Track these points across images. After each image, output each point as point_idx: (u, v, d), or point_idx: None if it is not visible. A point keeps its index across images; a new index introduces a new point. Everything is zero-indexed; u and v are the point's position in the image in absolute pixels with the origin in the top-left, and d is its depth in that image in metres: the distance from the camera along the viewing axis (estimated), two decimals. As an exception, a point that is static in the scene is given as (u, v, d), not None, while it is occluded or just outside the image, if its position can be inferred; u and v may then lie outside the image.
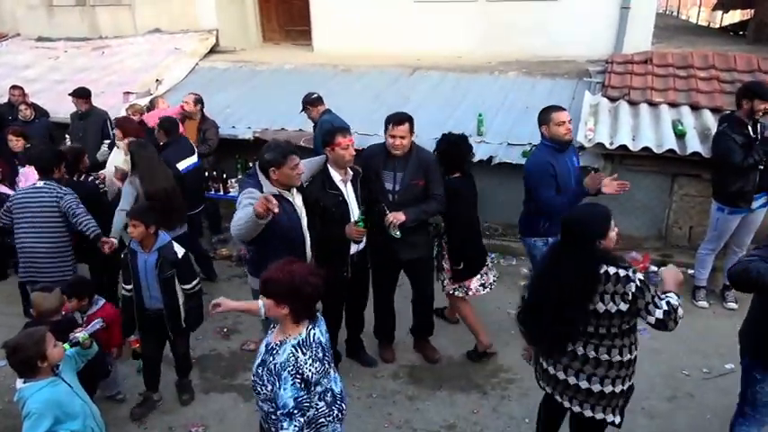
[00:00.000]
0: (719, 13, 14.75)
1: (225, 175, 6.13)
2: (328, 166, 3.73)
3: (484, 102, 6.87)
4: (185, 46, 8.99)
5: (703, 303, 5.00)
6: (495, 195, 6.03)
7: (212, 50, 9.30)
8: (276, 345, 2.45)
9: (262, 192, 3.19)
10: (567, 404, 2.81)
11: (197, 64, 8.86)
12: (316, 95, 5.44)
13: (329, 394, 2.56)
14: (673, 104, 6.04)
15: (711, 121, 5.67)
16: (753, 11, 11.91)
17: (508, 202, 6.06)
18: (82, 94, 6.42)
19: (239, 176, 6.34)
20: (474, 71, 7.75)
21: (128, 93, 7.73)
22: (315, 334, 2.46)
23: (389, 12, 8.66)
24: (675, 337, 4.45)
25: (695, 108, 5.96)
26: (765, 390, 2.85)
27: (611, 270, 2.59)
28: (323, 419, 2.54)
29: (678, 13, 17.83)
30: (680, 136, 5.48)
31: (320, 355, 2.44)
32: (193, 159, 5.37)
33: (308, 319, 2.47)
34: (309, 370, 2.36)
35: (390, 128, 3.80)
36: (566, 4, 7.99)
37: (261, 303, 2.51)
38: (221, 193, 6.12)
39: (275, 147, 3.36)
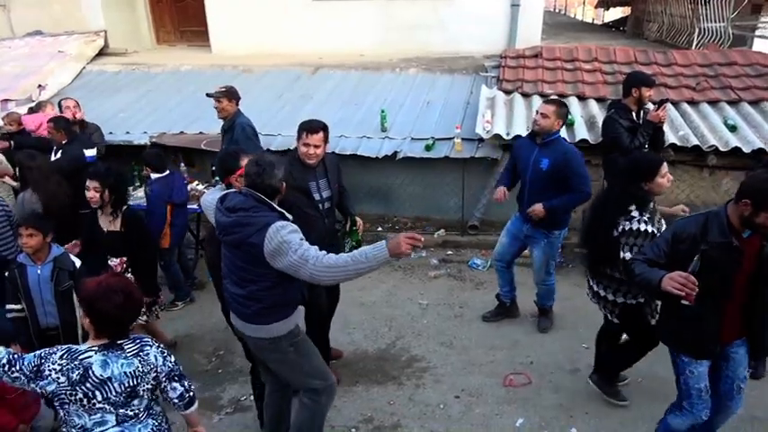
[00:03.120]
0: (602, 10, 15.83)
1: (121, 184, 5.81)
2: None
3: (386, 98, 6.96)
4: (70, 48, 8.42)
5: None
6: (402, 189, 6.14)
7: (101, 53, 8.81)
8: None
9: (287, 219, 2.65)
10: (602, 311, 3.62)
11: (84, 67, 8.34)
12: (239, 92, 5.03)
13: None
14: (561, 95, 6.38)
15: (596, 110, 6.07)
16: (630, 8, 12.90)
17: (414, 196, 6.22)
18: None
19: (137, 184, 6.04)
20: (376, 68, 7.83)
21: (6, 100, 7.14)
22: (90, 357, 2.20)
23: (288, 11, 8.56)
24: (575, 314, 4.76)
25: (582, 98, 6.35)
26: (694, 373, 2.84)
27: (633, 210, 3.12)
28: None
29: (566, 11, 18.94)
30: (569, 125, 5.81)
31: (73, 376, 2.15)
32: (93, 152, 5.26)
33: (108, 339, 2.24)
34: (47, 366, 2.16)
35: (304, 136, 3.50)
36: (460, 2, 8.26)
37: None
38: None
39: (278, 163, 2.73)
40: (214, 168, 5.92)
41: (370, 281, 5.45)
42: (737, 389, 2.93)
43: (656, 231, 3.15)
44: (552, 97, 5.50)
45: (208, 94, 5.01)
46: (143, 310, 3.82)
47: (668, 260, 2.65)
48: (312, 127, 3.52)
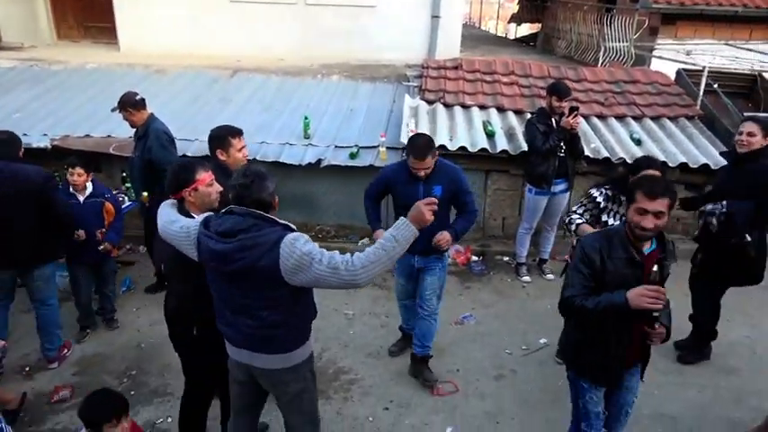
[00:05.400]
0: (513, 25, 16.52)
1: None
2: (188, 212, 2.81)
3: (308, 104, 6.84)
4: (-44, 40, 7.66)
5: (526, 278, 5.58)
6: (326, 198, 6.04)
7: (-7, 47, 8.07)
8: None
9: (292, 230, 2.41)
10: None
11: (-27, 62, 7.60)
12: (139, 97, 4.75)
13: None
14: (482, 107, 6.57)
15: (515, 122, 6.27)
16: (540, 25, 13.55)
17: (338, 204, 6.13)
18: None
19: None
20: (297, 74, 7.69)
21: None
22: None
23: (204, 10, 8.26)
24: (497, 320, 4.87)
25: (501, 110, 6.54)
26: (593, 398, 2.87)
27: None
28: None
29: (479, 24, 19.61)
30: (490, 136, 5.97)
31: None
32: None
33: None
34: None
35: (236, 141, 3.60)
36: (381, 10, 8.31)
37: None
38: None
39: (269, 174, 2.48)
40: (124, 174, 5.60)
41: (293, 291, 5.30)
42: (625, 413, 3.00)
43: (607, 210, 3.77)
44: (417, 133, 4.94)
45: (112, 110, 4.80)
46: None
47: (594, 282, 2.59)
48: (239, 129, 3.61)
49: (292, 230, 2.42)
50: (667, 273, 2.66)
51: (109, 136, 5.97)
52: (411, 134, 5.81)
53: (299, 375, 2.67)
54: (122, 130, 5.82)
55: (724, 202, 3.91)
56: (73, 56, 8.13)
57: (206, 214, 2.61)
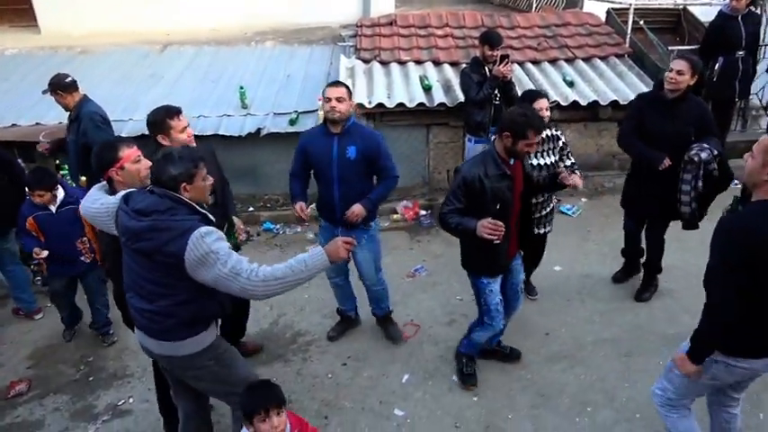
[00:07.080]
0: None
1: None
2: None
3: (244, 73, 6.73)
4: None
5: None
6: (270, 166, 6.02)
7: None
8: None
9: (209, 224, 2.35)
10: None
11: None
12: (70, 79, 4.54)
13: None
14: (418, 62, 6.57)
15: (451, 75, 6.31)
16: (475, -26, 13.48)
17: (283, 172, 6.03)
18: None
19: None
20: (231, 43, 7.52)
21: None
22: None
23: (126, -16, 7.92)
24: (447, 269, 5.00)
25: (437, 63, 6.56)
26: (492, 291, 3.35)
27: None
28: None
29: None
30: (427, 90, 6.01)
31: None
32: None
33: None
34: None
35: (176, 120, 3.20)
36: (312, -29, 8.13)
37: None
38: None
39: (179, 156, 2.37)
40: (58, 162, 5.44)
41: (246, 263, 5.32)
42: (520, 290, 3.60)
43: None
44: (337, 79, 4.70)
45: (43, 92, 4.60)
46: None
47: (468, 201, 3.10)
48: (177, 108, 3.27)
49: (209, 224, 2.35)
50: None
51: (38, 123, 5.77)
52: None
53: (196, 364, 2.58)
54: (52, 116, 5.66)
55: (705, 145, 3.72)
56: (-10, 42, 7.73)
57: (128, 190, 2.54)
